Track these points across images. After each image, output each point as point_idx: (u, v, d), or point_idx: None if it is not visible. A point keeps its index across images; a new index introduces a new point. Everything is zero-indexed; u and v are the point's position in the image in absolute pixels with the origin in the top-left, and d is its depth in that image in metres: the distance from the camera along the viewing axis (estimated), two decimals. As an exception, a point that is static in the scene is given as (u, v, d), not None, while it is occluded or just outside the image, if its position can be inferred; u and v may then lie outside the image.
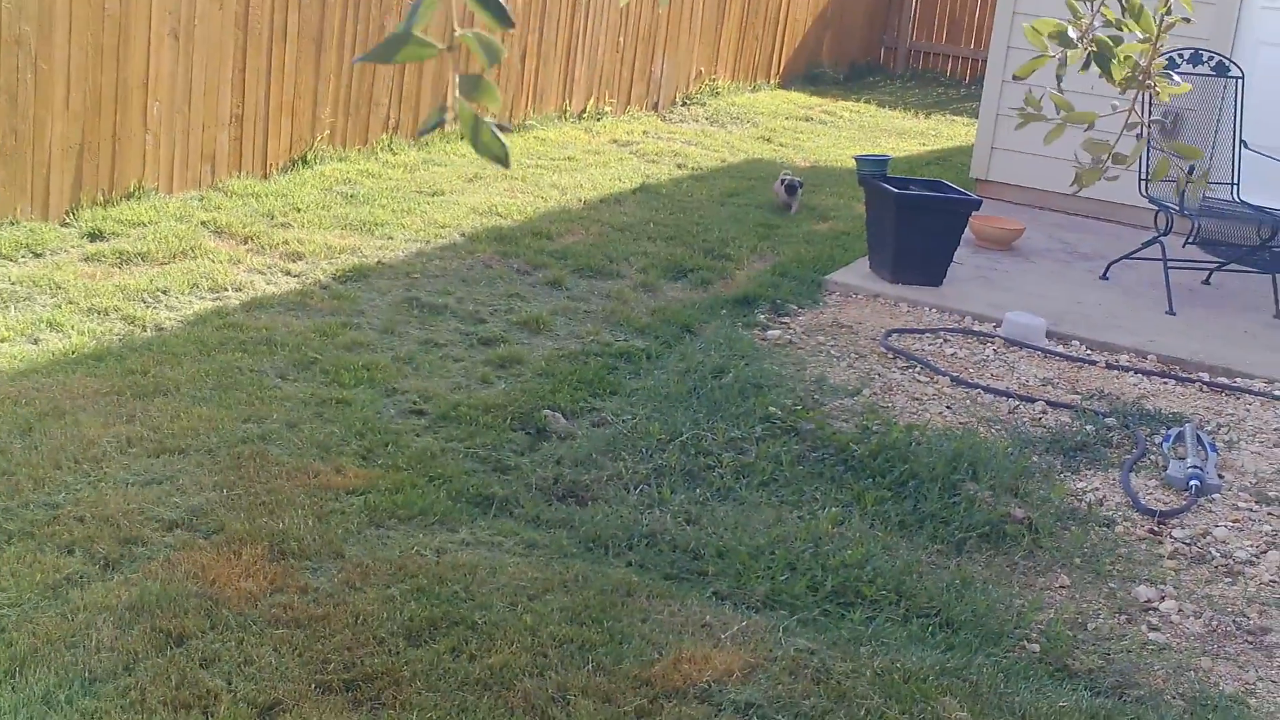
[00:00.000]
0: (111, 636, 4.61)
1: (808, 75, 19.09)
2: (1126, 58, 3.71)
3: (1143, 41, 3.71)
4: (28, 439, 5.95)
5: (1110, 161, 3.85)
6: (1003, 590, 5.63)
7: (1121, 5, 3.71)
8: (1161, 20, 3.71)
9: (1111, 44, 3.69)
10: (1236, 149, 10.43)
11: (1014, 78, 3.88)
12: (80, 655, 4.49)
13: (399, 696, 4.46)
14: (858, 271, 9.88)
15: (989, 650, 5.15)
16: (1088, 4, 3.73)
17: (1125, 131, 3.87)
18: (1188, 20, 3.76)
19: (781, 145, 14.72)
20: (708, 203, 11.65)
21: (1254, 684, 5.18)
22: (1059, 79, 3.72)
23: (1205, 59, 10.51)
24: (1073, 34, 3.67)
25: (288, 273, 8.60)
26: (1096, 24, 3.72)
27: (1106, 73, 3.71)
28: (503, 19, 2.32)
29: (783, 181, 11.79)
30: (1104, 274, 10.39)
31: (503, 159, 2.38)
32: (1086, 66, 3.73)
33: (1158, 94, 3.82)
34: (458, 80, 2.34)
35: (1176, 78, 3.82)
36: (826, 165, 13.94)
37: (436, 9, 2.32)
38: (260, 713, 4.33)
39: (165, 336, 7.31)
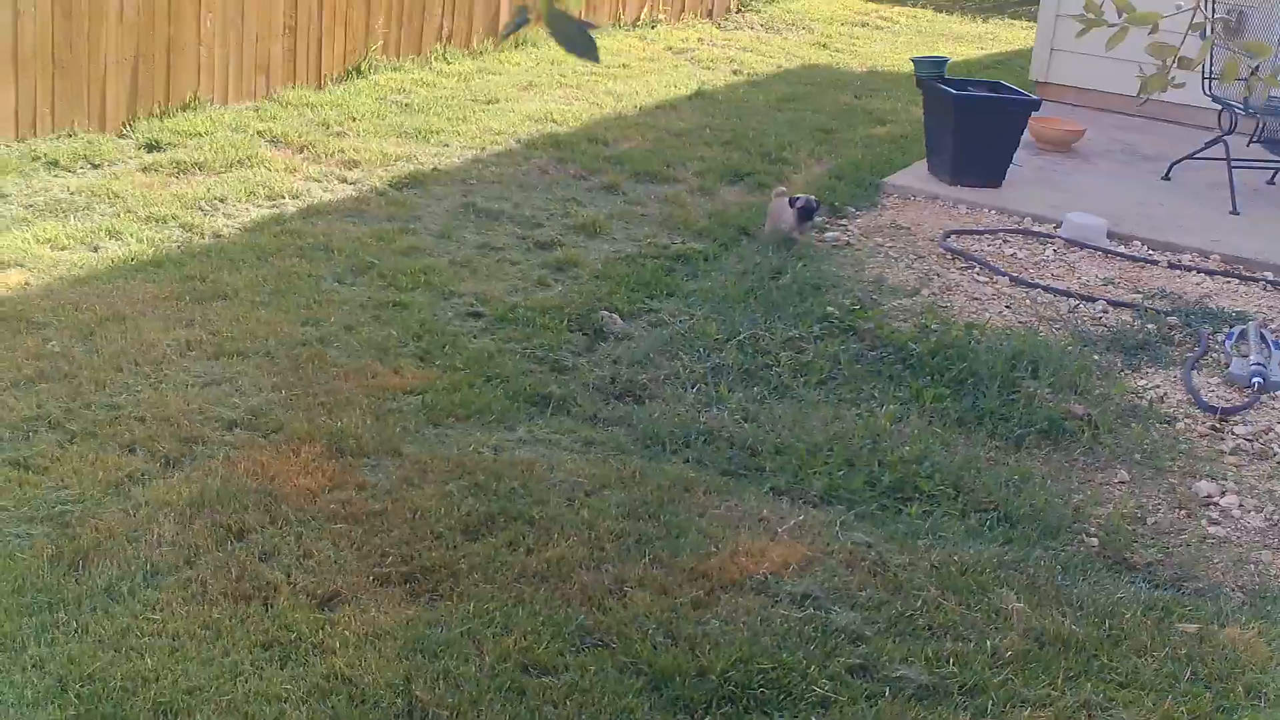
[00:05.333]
0: (173, 531, 4.66)
1: (865, -19, 18.86)
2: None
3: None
4: (89, 343, 6.00)
5: (1176, 65, 3.78)
6: (1061, 485, 5.61)
7: None
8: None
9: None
10: (1303, 46, 10.24)
11: None
12: (142, 549, 4.54)
13: (456, 588, 4.49)
14: (916, 174, 9.79)
15: (1047, 544, 5.13)
16: None
17: (1190, 32, 3.80)
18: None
19: (838, 51, 14.58)
20: (764, 108, 11.55)
21: (1315, 576, 5.14)
22: None
23: (1272, -48, 10.30)
24: None
25: (344, 180, 8.61)
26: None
27: None
28: None
29: (793, 202, 8.19)
30: (1166, 174, 10.25)
31: (591, 53, 2.41)
32: None
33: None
34: None
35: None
36: (884, 70, 13.80)
37: None
38: (319, 604, 4.37)
39: (223, 243, 7.34)
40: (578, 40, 2.42)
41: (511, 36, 12.61)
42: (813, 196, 8.29)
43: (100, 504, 4.80)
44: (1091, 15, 3.76)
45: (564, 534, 4.85)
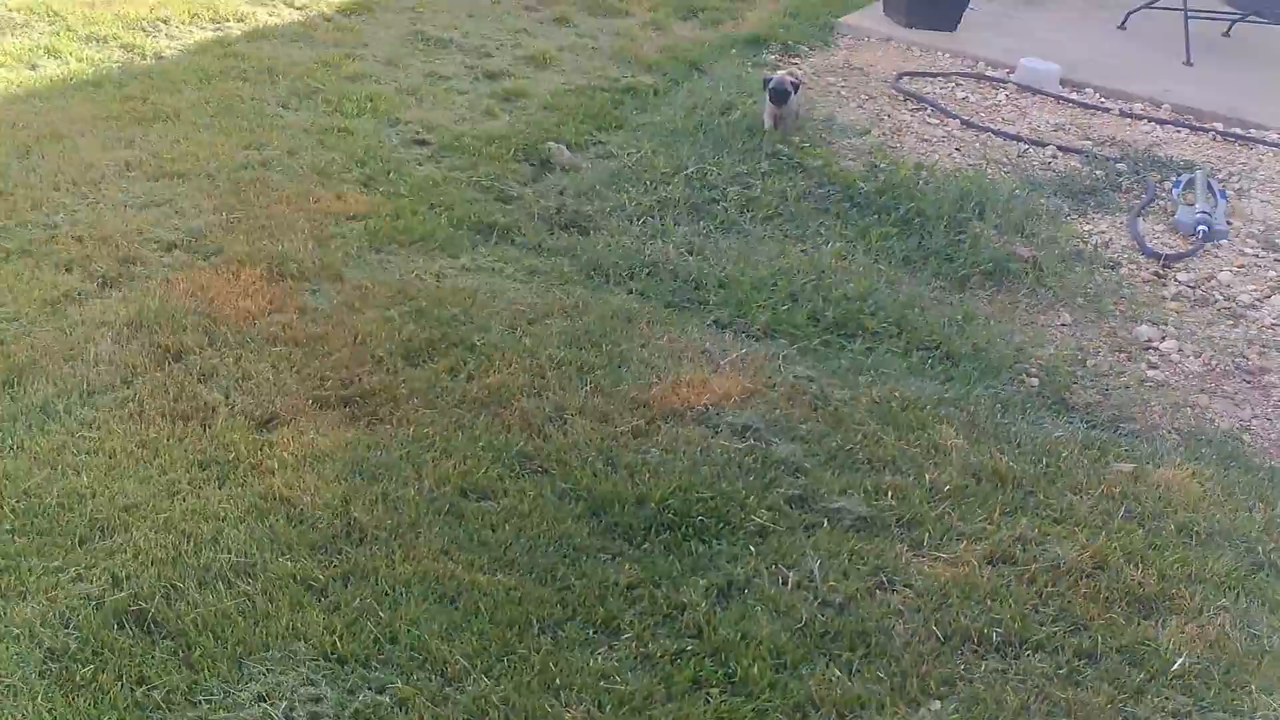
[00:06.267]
0: (110, 351, 4.61)
1: None
2: None
3: None
4: (25, 161, 5.89)
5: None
6: (1004, 326, 5.62)
7: None
8: None
9: None
10: (1265, -106, 10.13)
11: None
12: (78, 368, 4.50)
13: (396, 412, 4.47)
14: (871, 15, 9.68)
15: (988, 382, 5.15)
16: None
17: None
18: None
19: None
20: (721, -56, 11.37)
21: (1249, 420, 5.19)
22: None
23: None
24: None
25: (291, 5, 8.45)
26: None
27: None
28: None
29: (765, 81, 7.19)
30: (1122, 23, 10.17)
31: None
32: None
33: None
34: None
35: None
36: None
37: None
38: (257, 425, 4.34)
39: (165, 65, 7.19)
40: None
41: None
42: (789, 76, 7.23)
43: (35, 322, 4.74)
44: None
45: (505, 361, 4.82)
